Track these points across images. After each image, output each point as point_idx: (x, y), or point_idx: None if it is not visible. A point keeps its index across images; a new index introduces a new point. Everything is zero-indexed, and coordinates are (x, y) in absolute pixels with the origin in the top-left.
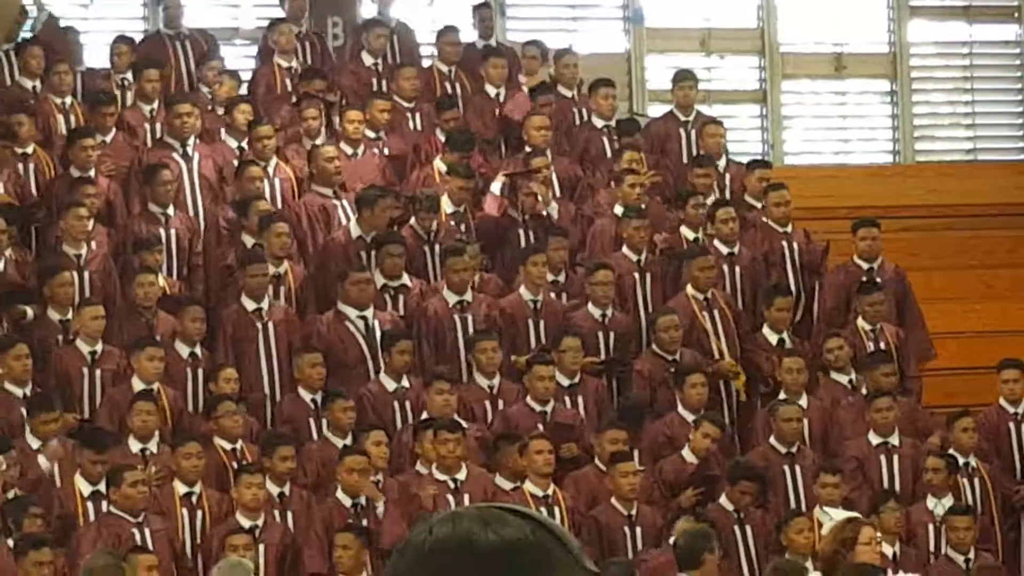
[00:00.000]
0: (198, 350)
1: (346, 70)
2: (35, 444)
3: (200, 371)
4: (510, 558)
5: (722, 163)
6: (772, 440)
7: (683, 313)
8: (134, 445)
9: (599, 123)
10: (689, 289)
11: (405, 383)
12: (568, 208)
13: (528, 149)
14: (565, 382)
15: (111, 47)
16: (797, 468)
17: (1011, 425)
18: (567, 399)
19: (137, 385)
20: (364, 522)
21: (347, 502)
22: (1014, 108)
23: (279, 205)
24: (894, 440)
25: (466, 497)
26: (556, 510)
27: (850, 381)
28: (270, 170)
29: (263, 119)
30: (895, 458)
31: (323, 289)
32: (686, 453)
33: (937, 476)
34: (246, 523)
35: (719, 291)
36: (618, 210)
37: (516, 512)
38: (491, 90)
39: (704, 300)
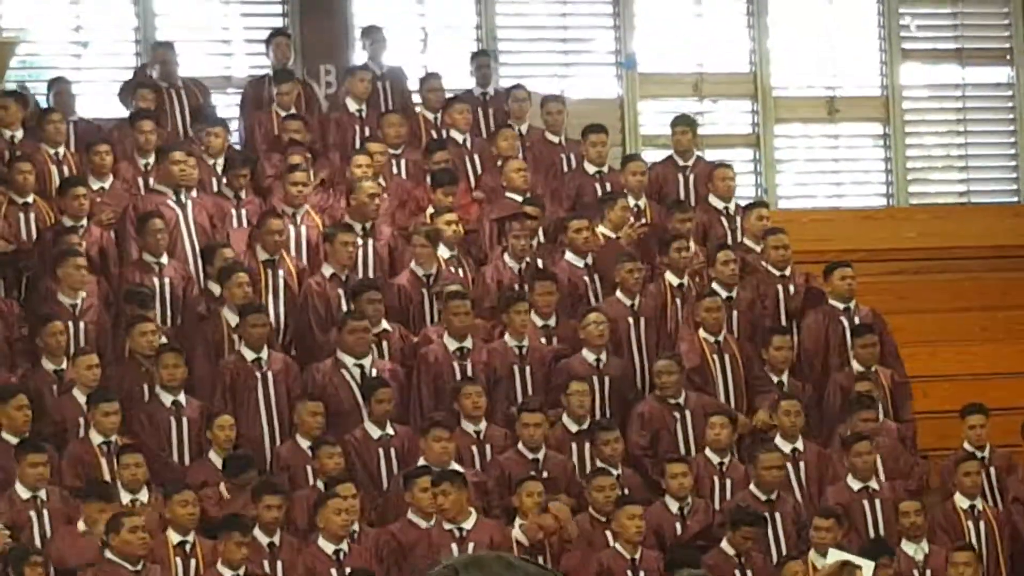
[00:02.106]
0: (181, 398)
1: (330, 117)
2: (25, 495)
3: (185, 420)
4: None
5: (732, 206)
6: (752, 487)
7: (693, 355)
8: (124, 496)
9: (591, 169)
10: (701, 332)
11: (389, 430)
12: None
13: (514, 195)
14: (573, 428)
15: (134, 92)
16: (778, 515)
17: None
18: (574, 445)
19: (96, 439)
20: (347, 570)
21: (329, 549)
22: (1007, 151)
23: (303, 253)
24: (874, 484)
25: (470, 546)
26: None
27: None
28: (299, 217)
29: (300, 165)
30: (877, 502)
31: (301, 336)
32: (669, 501)
33: (917, 519)
34: (228, 573)
35: (731, 336)
36: (569, 256)
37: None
38: (457, 136)
39: (715, 343)
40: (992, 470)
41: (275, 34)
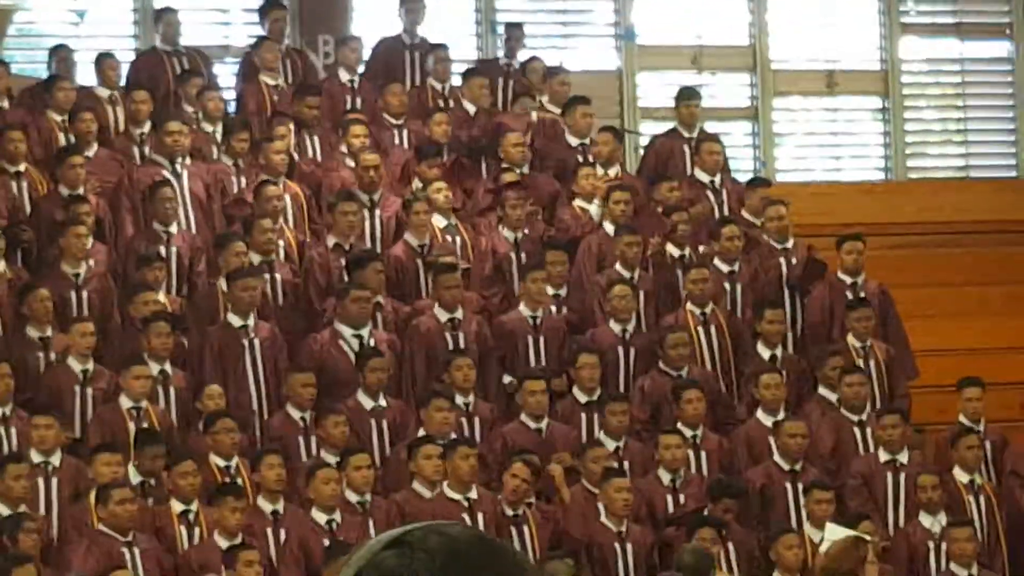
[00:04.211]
0: (168, 367)
1: (322, 88)
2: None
3: (171, 389)
4: (483, 549)
5: (718, 179)
6: (776, 457)
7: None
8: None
9: (574, 141)
10: (688, 304)
11: (382, 402)
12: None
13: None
14: (583, 399)
15: (100, 64)
16: (800, 485)
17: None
18: (583, 415)
19: (125, 403)
20: (339, 539)
21: (322, 519)
22: (1006, 125)
23: (291, 222)
24: (902, 458)
25: (479, 516)
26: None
27: (838, 399)
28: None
29: (277, 136)
30: (902, 475)
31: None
32: (661, 473)
33: (934, 493)
34: (223, 543)
35: (719, 307)
36: (608, 228)
37: (450, 525)
38: (470, 108)
39: (701, 315)
40: (987, 444)
41: (270, 7)
